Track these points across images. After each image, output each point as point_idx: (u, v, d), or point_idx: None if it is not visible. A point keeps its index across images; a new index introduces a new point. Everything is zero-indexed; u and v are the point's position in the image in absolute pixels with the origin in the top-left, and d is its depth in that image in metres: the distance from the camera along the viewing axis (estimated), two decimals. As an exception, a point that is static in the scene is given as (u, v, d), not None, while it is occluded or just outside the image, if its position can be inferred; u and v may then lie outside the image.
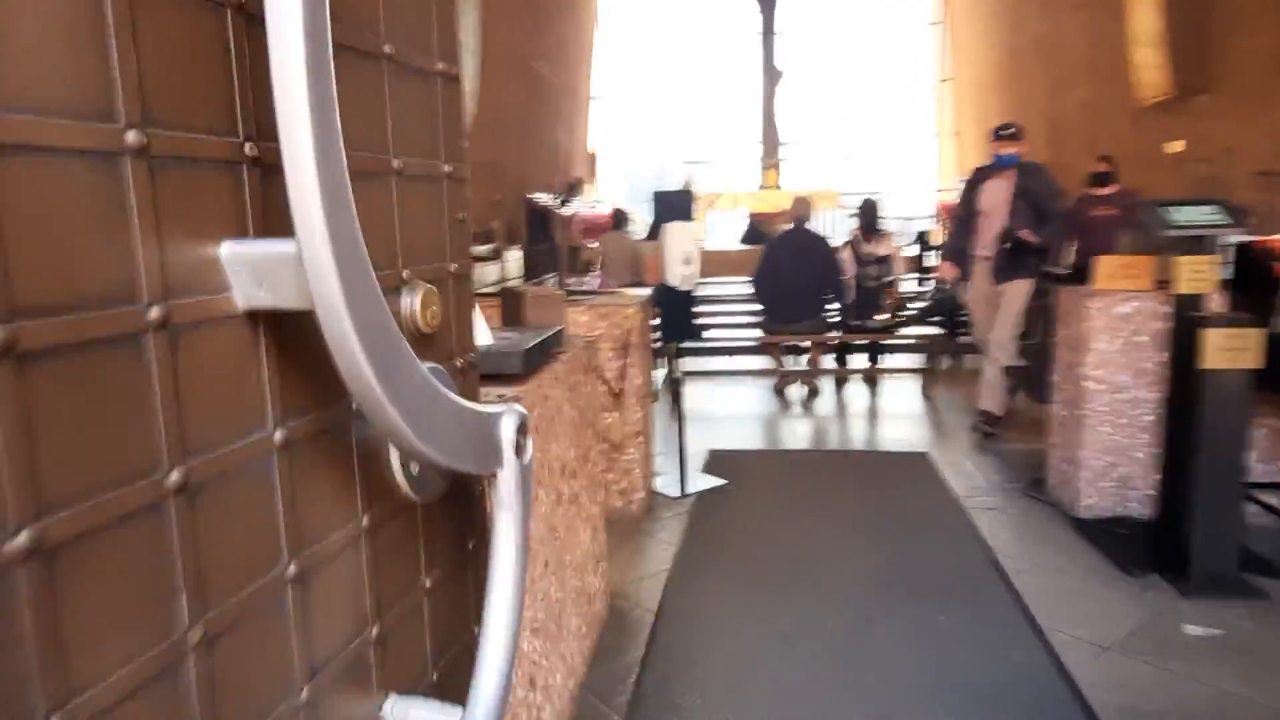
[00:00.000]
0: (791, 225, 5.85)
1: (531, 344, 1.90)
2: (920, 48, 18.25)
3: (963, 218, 4.87)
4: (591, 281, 4.35)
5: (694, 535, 3.55)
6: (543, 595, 2.02)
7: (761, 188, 16.37)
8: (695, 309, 3.72)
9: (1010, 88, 13.03)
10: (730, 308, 7.98)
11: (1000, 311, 4.66)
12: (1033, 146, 11.64)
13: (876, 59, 18.73)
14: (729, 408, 5.87)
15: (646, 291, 3.87)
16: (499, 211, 11.90)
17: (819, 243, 5.75)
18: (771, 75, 16.00)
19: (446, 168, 0.71)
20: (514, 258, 11.55)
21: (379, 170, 0.61)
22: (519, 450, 0.59)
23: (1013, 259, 4.58)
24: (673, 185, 17.98)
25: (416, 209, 0.66)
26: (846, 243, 5.86)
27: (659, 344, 5.36)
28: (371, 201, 0.60)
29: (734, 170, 18.83)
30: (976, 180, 4.82)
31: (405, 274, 0.63)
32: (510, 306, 2.35)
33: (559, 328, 2.17)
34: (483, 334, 2.00)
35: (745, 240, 15.96)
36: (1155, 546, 3.13)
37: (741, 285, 9.85)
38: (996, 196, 4.64)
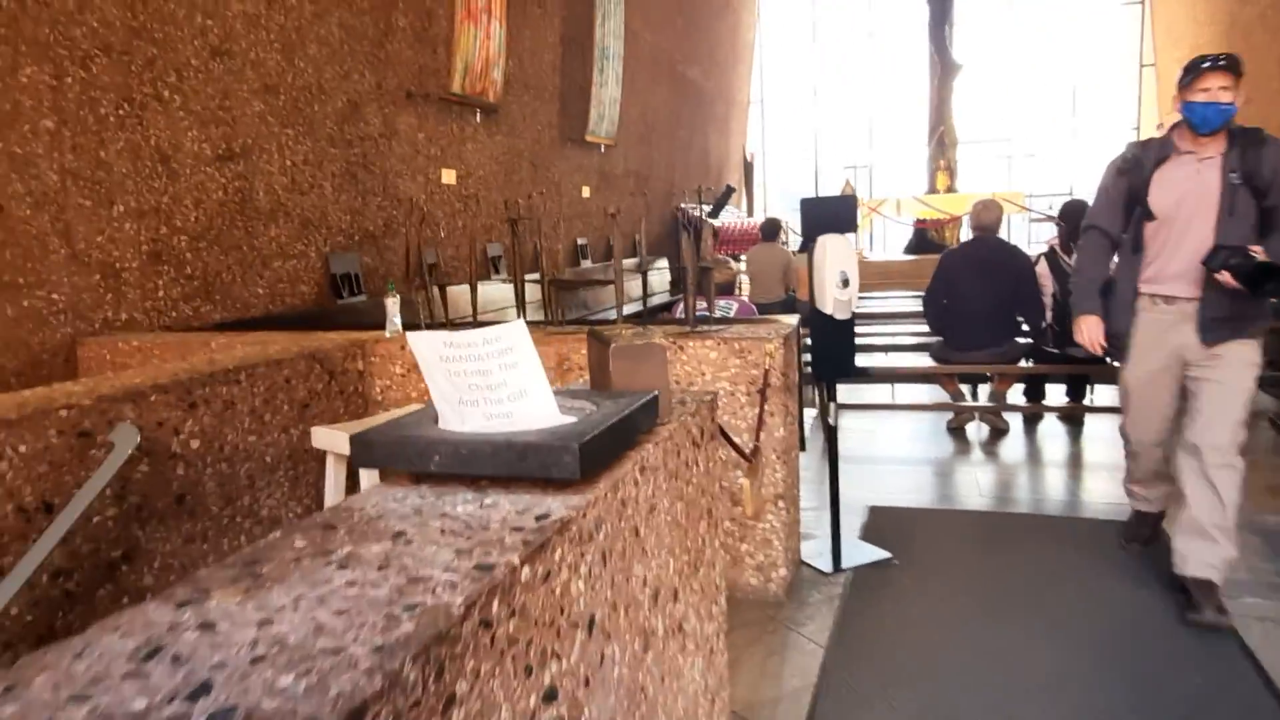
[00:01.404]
0: (975, 234, 4.90)
1: (593, 434, 1.24)
2: (1115, 31, 16.30)
3: (1103, 226, 2.93)
4: (727, 307, 3.66)
5: (849, 632, 2.77)
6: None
7: (930, 191, 15.03)
8: (854, 339, 2.91)
9: (1233, 69, 11.22)
10: (893, 329, 7.04)
11: (1218, 397, 2.73)
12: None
13: (1063, 46, 16.89)
14: (892, 448, 4.99)
15: (793, 319, 3.12)
16: (645, 222, 11.41)
17: (1011, 255, 4.77)
18: (947, 68, 14.66)
19: None
20: (660, 274, 10.99)
21: None
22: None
23: (1235, 303, 2.64)
24: (831, 192, 17.00)
25: None
26: (1044, 254, 4.82)
27: (809, 377, 4.60)
28: None
29: (898, 173, 17.53)
30: (1142, 158, 2.81)
31: None
32: (596, 359, 1.69)
33: (653, 394, 1.49)
34: (540, 406, 1.37)
35: (910, 250, 14.71)
36: None
37: (907, 300, 8.83)
38: (1190, 185, 2.70)
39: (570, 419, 1.37)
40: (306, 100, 4.99)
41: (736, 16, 15.94)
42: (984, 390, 5.88)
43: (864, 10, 17.93)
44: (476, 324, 3.29)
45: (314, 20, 5.01)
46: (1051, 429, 5.19)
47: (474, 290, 3.44)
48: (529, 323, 3.28)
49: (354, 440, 1.31)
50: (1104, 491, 4.09)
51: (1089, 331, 2.95)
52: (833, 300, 2.94)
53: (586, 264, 8.88)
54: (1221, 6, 11.27)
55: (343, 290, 5.29)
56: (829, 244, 2.93)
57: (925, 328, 7.45)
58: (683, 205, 12.33)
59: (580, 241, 9.07)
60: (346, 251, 5.39)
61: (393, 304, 3.37)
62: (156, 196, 4.08)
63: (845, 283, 2.93)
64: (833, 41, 18.38)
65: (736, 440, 2.56)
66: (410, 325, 3.45)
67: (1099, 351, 2.98)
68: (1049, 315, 4.75)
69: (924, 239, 14.65)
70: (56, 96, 3.60)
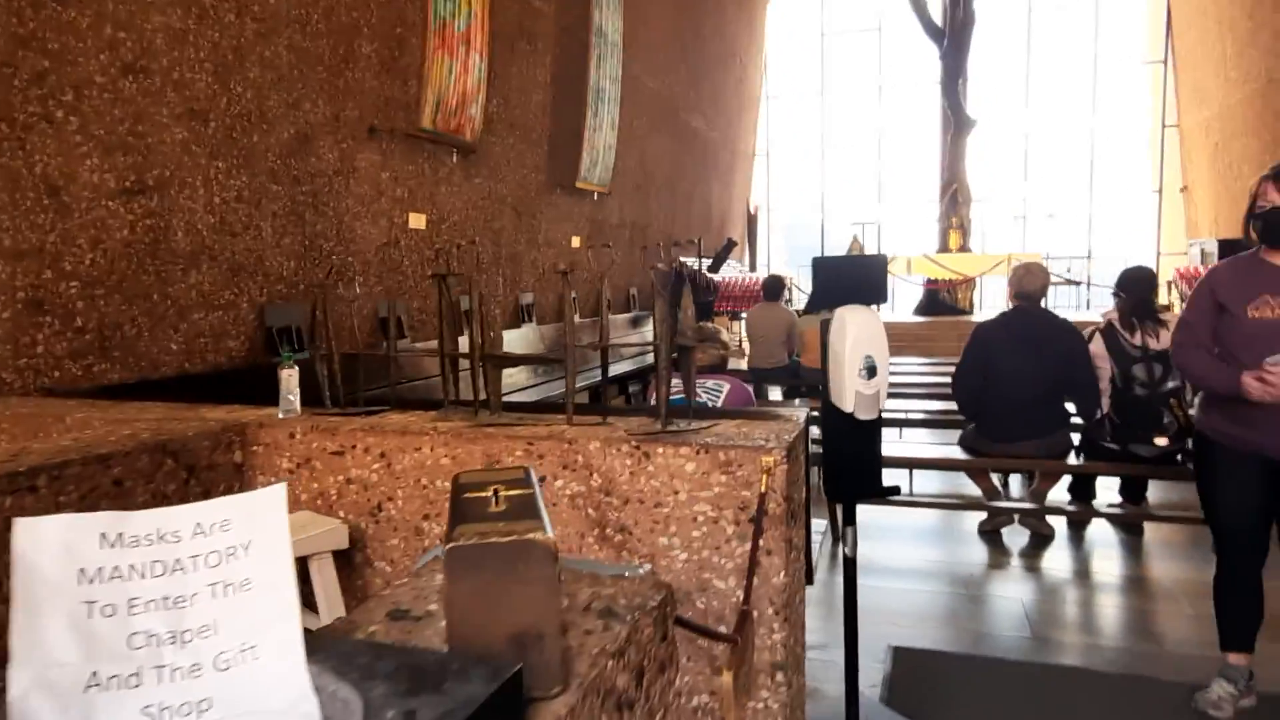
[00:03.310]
0: (1015, 303, 4.17)
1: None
2: (1135, 90, 15.82)
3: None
4: (716, 389, 2.92)
5: None
6: None
7: (941, 249, 14.42)
8: (880, 446, 2.15)
9: (1268, 131, 10.63)
10: (908, 405, 6.30)
11: None
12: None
13: (1080, 104, 16.42)
14: (912, 555, 4.21)
15: (801, 413, 2.38)
16: (639, 274, 10.75)
17: (1059, 330, 4.02)
18: (961, 124, 14.15)
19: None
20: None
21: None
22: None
23: None
24: (837, 249, 16.39)
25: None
26: (1100, 330, 4.06)
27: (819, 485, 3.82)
28: None
29: (907, 230, 16.96)
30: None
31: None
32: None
33: (515, 669, 0.75)
34: (272, 682, 0.64)
35: (921, 311, 14.06)
36: None
37: (920, 368, 8.09)
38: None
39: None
40: (243, 129, 4.33)
41: (743, 67, 15.51)
42: (1014, 480, 5.11)
43: (874, 64, 17.53)
44: (369, 410, 2.57)
45: (257, 40, 4.37)
46: (1102, 536, 4.40)
47: (391, 361, 2.71)
48: (453, 407, 2.55)
49: None
50: (1173, 631, 3.31)
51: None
52: (854, 395, 2.20)
53: (575, 318, 8.19)
54: (1257, 62, 10.72)
55: (281, 347, 4.57)
56: (850, 319, 2.21)
57: (941, 402, 6.72)
58: (680, 258, 11.71)
59: (573, 295, 8.37)
60: (287, 303, 4.68)
61: (289, 377, 2.63)
62: (40, 235, 3.39)
63: (871, 371, 2.20)
64: (841, 94, 17.97)
65: (710, 626, 1.81)
66: (313, 403, 2.72)
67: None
68: (1105, 403, 3.99)
69: (935, 299, 14.01)
70: (-103, 109, 2.94)
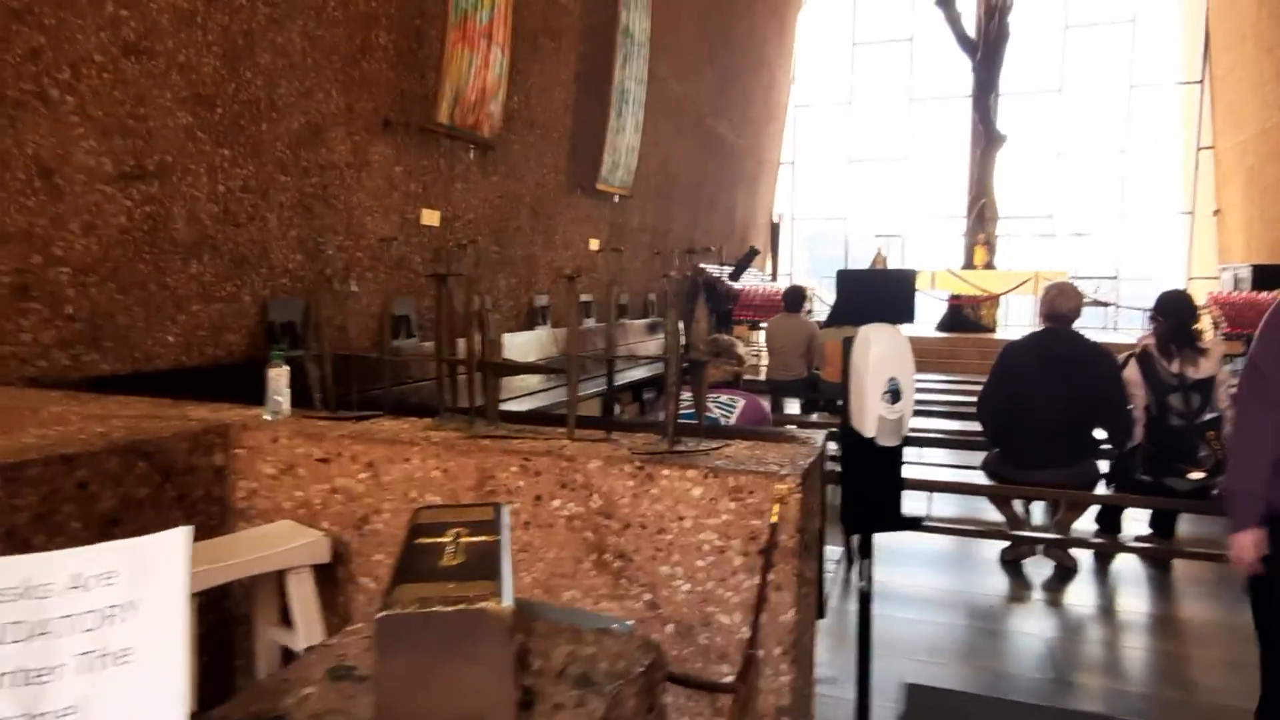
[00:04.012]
0: (1046, 324, 3.97)
1: None
2: (1169, 110, 15.51)
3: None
4: (729, 405, 2.75)
5: None
6: None
7: (966, 265, 14.16)
8: (901, 475, 1.97)
9: (1306, 155, 10.35)
10: (928, 423, 6.10)
11: None
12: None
13: (1113, 123, 16.12)
14: (928, 582, 4.02)
15: (819, 437, 2.21)
16: (658, 280, 10.59)
17: (1092, 354, 3.82)
18: (991, 139, 13.90)
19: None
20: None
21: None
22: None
23: None
24: (861, 260, 16.17)
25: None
26: (1135, 356, 3.86)
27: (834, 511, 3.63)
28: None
29: (932, 245, 16.70)
30: None
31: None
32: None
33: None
34: None
35: (943, 327, 13.81)
36: None
37: (941, 384, 7.89)
38: None
39: None
40: (252, 117, 4.21)
41: (772, 74, 15.33)
42: (1036, 508, 4.90)
43: (904, 75, 17.31)
44: (361, 415, 2.40)
45: (269, 26, 4.26)
46: (1129, 571, 4.19)
47: (386, 364, 2.56)
48: (449, 415, 2.39)
49: None
50: (1205, 678, 3.10)
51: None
52: (876, 419, 2.03)
53: (589, 322, 8.02)
54: (1295, 88, 10.45)
55: (282, 342, 4.44)
56: (874, 339, 2.04)
57: (961, 421, 6.51)
58: (701, 265, 11.54)
59: (584, 299, 8.24)
60: (292, 297, 4.56)
61: (278, 376, 2.49)
62: (29, 218, 3.27)
63: (895, 395, 2.02)
64: (870, 106, 17.75)
65: (712, 671, 1.65)
66: (306, 405, 2.58)
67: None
68: (1139, 432, 3.78)
69: (959, 316, 13.76)
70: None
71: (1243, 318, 9.45)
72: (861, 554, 2.20)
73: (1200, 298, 11.79)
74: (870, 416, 2.04)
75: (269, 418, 2.47)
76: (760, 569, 1.86)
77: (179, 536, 0.67)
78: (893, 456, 2.08)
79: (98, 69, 3.45)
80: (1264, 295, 9.60)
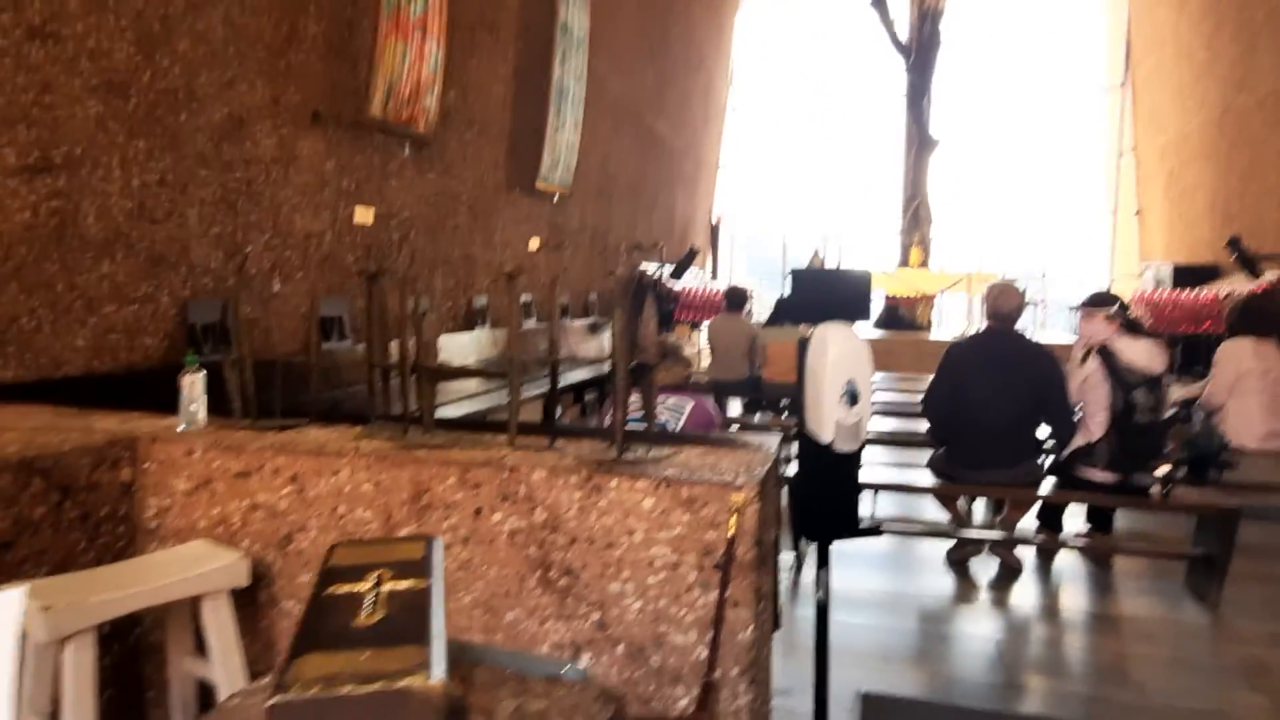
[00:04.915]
0: (990, 324, 3.97)
1: None
2: (1094, 115, 16.00)
3: None
4: (677, 408, 2.65)
5: None
6: None
7: (902, 265, 14.38)
8: (859, 481, 1.88)
9: (1222, 158, 10.73)
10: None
11: None
12: (1264, 234, 9.34)
13: (1041, 127, 16.57)
14: (875, 584, 3.99)
15: (772, 442, 2.13)
16: (599, 279, 10.47)
17: (1032, 353, 3.82)
18: (924, 142, 14.13)
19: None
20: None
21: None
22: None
23: None
24: (798, 261, 16.28)
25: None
26: (1093, 350, 3.78)
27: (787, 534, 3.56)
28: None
29: (868, 245, 16.94)
30: None
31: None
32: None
33: None
34: None
35: (880, 325, 13.99)
36: None
37: (878, 382, 7.93)
38: None
39: None
40: (170, 107, 3.96)
41: (710, 75, 15.34)
42: (977, 507, 4.92)
43: (839, 79, 17.51)
44: (285, 424, 2.22)
45: (188, 11, 4.01)
46: (1070, 567, 4.22)
47: (313, 370, 2.39)
48: (381, 423, 2.23)
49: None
50: (1154, 678, 3.12)
51: None
52: (834, 424, 1.95)
53: (530, 323, 7.85)
54: (1213, 91, 10.83)
55: (204, 346, 4.20)
56: (832, 339, 1.96)
57: (899, 420, 6.54)
58: (643, 264, 11.46)
59: (525, 299, 8.06)
60: (214, 298, 4.31)
61: (192, 383, 2.31)
62: (-83, 212, 3.00)
63: (853, 398, 1.95)
64: (806, 108, 17.92)
65: (665, 708, 1.54)
66: (222, 412, 2.39)
67: None
68: (1099, 430, 3.71)
69: (894, 315, 13.96)
70: None
71: (1166, 316, 9.73)
72: (819, 563, 2.12)
73: (1126, 296, 12.16)
74: (828, 421, 1.96)
75: (183, 428, 2.29)
76: (717, 584, 1.77)
77: (12, 600, 0.53)
78: (850, 463, 2.01)
79: (-4, 53, 3.18)
80: (1186, 295, 9.91)
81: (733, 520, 1.75)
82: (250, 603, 2.10)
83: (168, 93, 3.95)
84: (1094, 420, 3.80)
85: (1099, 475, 3.80)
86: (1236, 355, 4.87)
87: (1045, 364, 3.80)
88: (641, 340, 1.98)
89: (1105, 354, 3.74)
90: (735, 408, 7.53)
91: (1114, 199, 15.52)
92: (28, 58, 3.31)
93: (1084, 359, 3.79)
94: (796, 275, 2.07)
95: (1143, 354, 3.71)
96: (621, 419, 1.93)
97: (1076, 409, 3.88)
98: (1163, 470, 3.58)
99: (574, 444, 2.12)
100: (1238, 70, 10.09)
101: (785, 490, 3.18)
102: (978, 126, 16.58)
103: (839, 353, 1.94)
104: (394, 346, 2.26)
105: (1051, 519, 4.22)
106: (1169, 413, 3.64)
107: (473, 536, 1.96)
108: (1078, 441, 3.83)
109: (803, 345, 1.99)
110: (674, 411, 2.71)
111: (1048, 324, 14.67)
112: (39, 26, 3.35)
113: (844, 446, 1.99)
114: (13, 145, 3.29)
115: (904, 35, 14.16)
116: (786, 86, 17.93)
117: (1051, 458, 4.09)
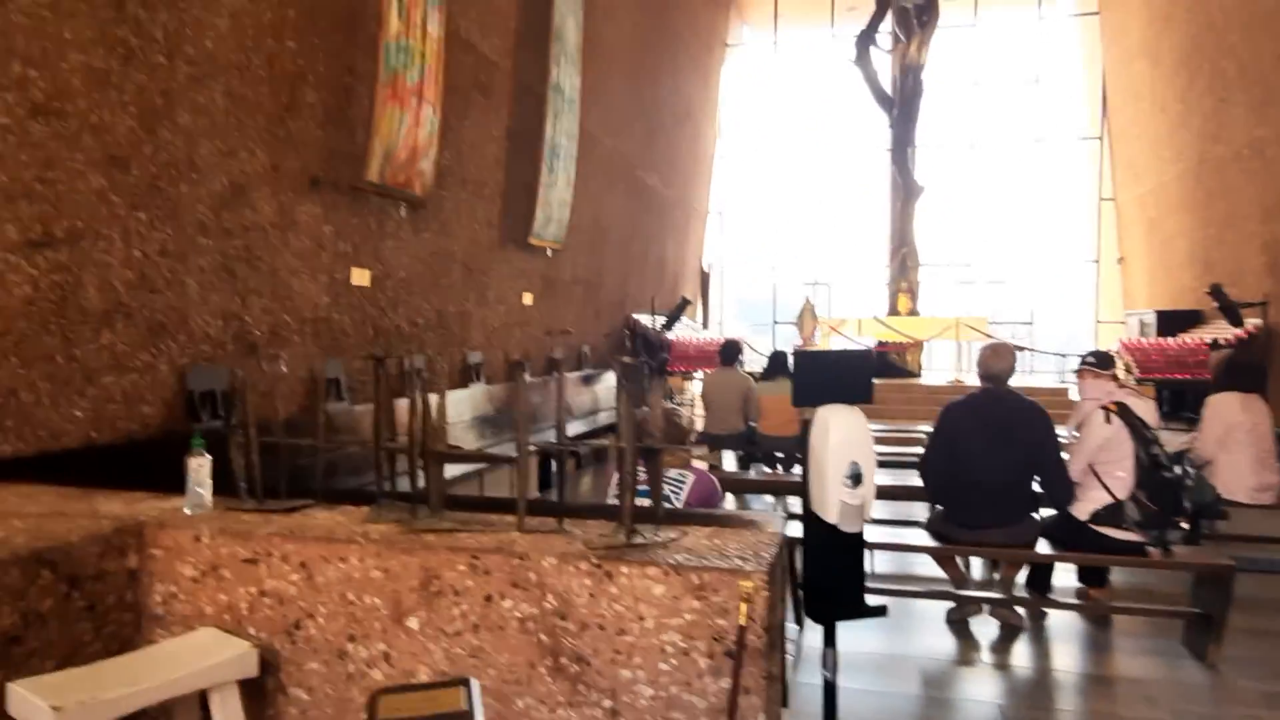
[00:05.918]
0: (983, 384, 4.03)
1: None
2: (1074, 163, 16.33)
3: None
4: (679, 481, 2.67)
5: None
6: None
7: (891, 312, 14.52)
8: (863, 561, 1.91)
9: (1201, 208, 10.96)
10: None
11: None
12: (1244, 281, 9.52)
13: (1024, 175, 16.89)
14: (875, 645, 3.98)
15: (779, 522, 2.16)
16: (591, 332, 10.54)
17: (1028, 413, 3.86)
18: (910, 190, 14.37)
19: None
20: (608, 383, 10.08)
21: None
22: None
23: None
24: (789, 307, 16.42)
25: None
26: (1112, 410, 3.77)
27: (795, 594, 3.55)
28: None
29: (858, 292, 17.12)
30: None
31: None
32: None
33: None
34: None
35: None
36: None
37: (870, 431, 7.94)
38: None
39: None
40: (170, 179, 4.02)
41: (697, 126, 15.62)
42: (974, 565, 4.91)
43: (826, 128, 17.85)
44: (291, 506, 2.21)
45: (189, 85, 4.09)
46: (1067, 627, 4.22)
47: (319, 453, 2.40)
48: (388, 503, 2.24)
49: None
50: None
51: None
52: (838, 505, 1.98)
53: (526, 378, 7.88)
54: (1190, 144, 11.09)
55: (202, 413, 4.21)
56: (834, 421, 1.99)
57: (891, 471, 6.53)
58: (634, 315, 11.55)
59: (515, 358, 8.11)
60: (213, 364, 4.33)
61: (199, 467, 2.32)
62: (-78, 291, 3.03)
63: (856, 479, 1.98)
64: (794, 157, 18.22)
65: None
66: (226, 486, 2.40)
67: None
68: (1125, 489, 3.73)
69: (884, 361, 14.03)
70: None
71: (1152, 362, 9.85)
72: (825, 642, 2.13)
73: (1110, 342, 12.29)
74: (831, 501, 1.99)
75: (189, 512, 2.29)
76: (730, 672, 1.77)
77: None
78: (855, 542, 2.03)
79: (2, 131, 3.24)
80: (1170, 342, 10.04)
81: (744, 609, 1.76)
82: (258, 691, 2.09)
83: (169, 164, 4.01)
84: (1113, 479, 3.78)
85: (1127, 535, 3.79)
86: (1224, 410, 4.95)
87: (1039, 424, 3.84)
88: (648, 423, 2.01)
89: (1124, 411, 3.75)
90: (730, 461, 7.55)
91: (1097, 247, 15.78)
92: (31, 134, 3.37)
93: (1106, 419, 3.75)
94: (801, 358, 2.11)
95: (1149, 409, 3.75)
96: (629, 505, 1.95)
97: (1080, 470, 3.87)
98: (1187, 525, 3.56)
99: (582, 526, 2.13)
100: (1211, 123, 10.36)
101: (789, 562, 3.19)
102: (963, 174, 16.89)
103: (841, 436, 1.98)
104: (402, 406, 2.26)
105: (1041, 582, 4.19)
106: (1194, 466, 3.65)
107: (482, 624, 1.97)
108: (1092, 503, 3.82)
109: (804, 428, 2.03)
110: (675, 483, 2.73)
111: (1035, 369, 14.80)
112: (42, 104, 3.41)
113: (848, 528, 2.01)
114: (15, 220, 3.32)
115: (887, 87, 14.47)
116: (774, 136, 18.24)
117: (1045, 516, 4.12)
